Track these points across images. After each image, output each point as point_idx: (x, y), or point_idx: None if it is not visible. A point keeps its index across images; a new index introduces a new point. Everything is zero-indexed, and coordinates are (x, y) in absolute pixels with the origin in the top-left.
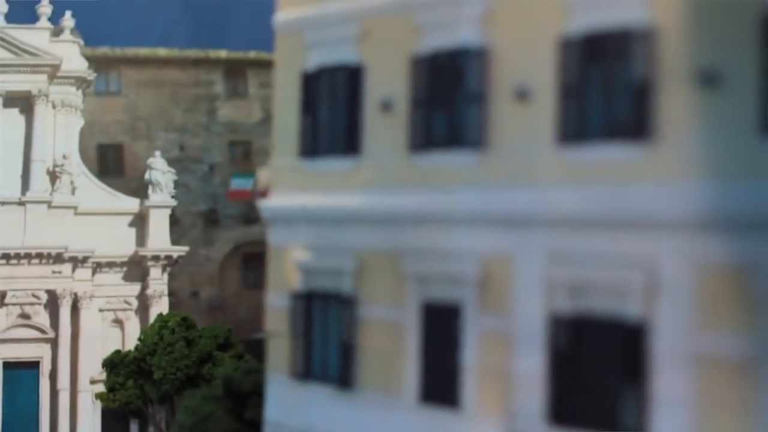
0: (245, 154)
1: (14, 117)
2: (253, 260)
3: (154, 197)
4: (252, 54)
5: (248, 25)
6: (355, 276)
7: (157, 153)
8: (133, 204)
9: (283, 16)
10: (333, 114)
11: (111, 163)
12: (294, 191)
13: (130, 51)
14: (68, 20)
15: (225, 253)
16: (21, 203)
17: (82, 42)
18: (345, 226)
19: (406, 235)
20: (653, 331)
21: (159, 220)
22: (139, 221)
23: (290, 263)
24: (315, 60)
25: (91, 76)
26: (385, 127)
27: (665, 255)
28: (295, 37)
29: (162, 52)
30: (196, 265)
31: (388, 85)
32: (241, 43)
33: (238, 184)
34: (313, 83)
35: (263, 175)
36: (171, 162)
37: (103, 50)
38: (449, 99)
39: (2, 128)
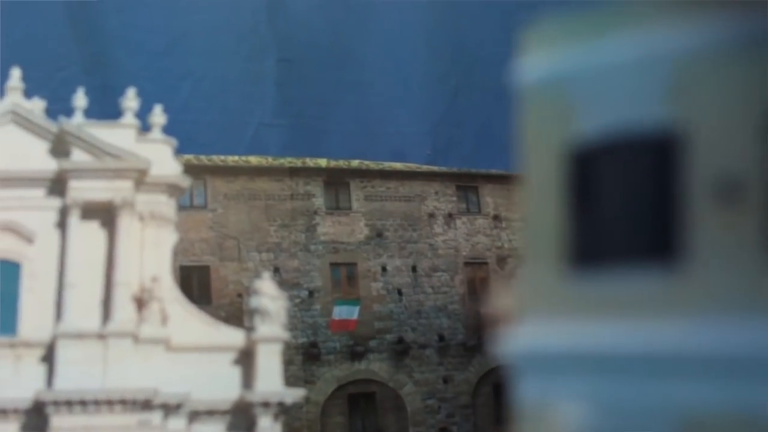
0: (349, 277)
1: (93, 231)
2: (359, 402)
3: (263, 329)
4: (355, 162)
5: (350, 130)
6: None
7: (266, 274)
8: (237, 337)
9: (530, 66)
10: (629, 203)
11: (195, 288)
12: (560, 319)
13: (217, 159)
14: (158, 116)
15: (327, 394)
16: (101, 336)
17: (174, 142)
18: (657, 373)
19: None
20: None
21: (269, 356)
22: (245, 358)
23: (558, 426)
24: (593, 126)
25: (186, 182)
26: (725, 221)
27: None
28: (555, 95)
29: (253, 160)
30: (294, 408)
31: (727, 159)
32: (343, 150)
33: (341, 312)
34: (591, 159)
35: (504, 296)
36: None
37: (186, 158)
38: None
39: (79, 245)
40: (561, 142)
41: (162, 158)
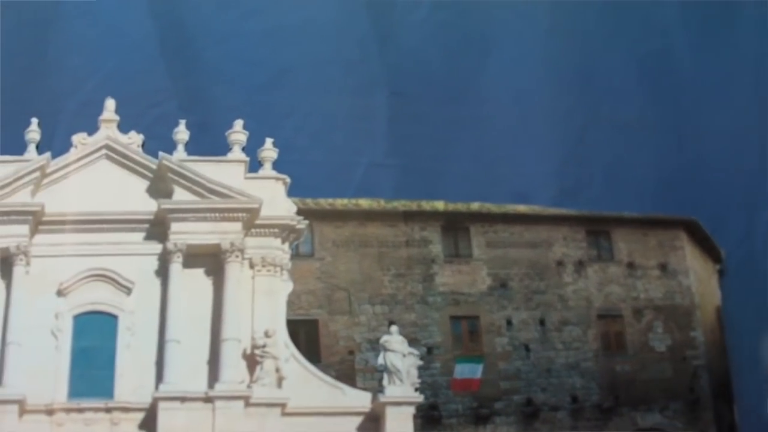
0: (471, 332)
1: (198, 280)
2: None
3: (392, 390)
4: (475, 205)
5: (468, 170)
6: None
7: (394, 329)
8: (362, 400)
9: None
10: None
11: (303, 345)
12: None
13: (325, 203)
14: (269, 150)
15: None
16: (208, 399)
17: (288, 179)
18: None
19: None
20: None
21: (400, 421)
22: (371, 424)
23: None
24: None
25: (302, 224)
26: None
27: None
28: None
29: (364, 203)
30: None
31: None
32: (461, 192)
33: (463, 371)
34: None
35: None
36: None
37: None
38: None
39: (182, 295)
40: None
41: (274, 197)
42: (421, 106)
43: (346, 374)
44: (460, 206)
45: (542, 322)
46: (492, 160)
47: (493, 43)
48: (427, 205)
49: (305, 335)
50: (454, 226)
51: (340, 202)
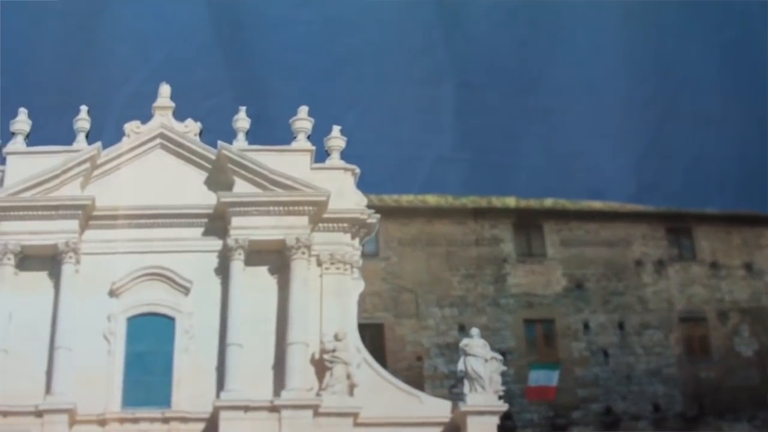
0: (546, 336)
1: (262, 279)
2: None
3: (474, 398)
4: (548, 202)
5: (540, 165)
6: None
7: (474, 331)
8: (441, 409)
9: None
10: None
11: (368, 350)
12: None
13: (389, 199)
14: (337, 138)
15: None
16: (273, 408)
17: (357, 169)
18: None
19: None
20: None
21: None
22: None
23: None
24: None
25: (373, 218)
26: None
27: None
28: None
29: (431, 200)
30: None
31: None
32: (533, 188)
33: (538, 378)
34: None
35: None
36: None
37: None
38: None
39: (244, 295)
40: None
41: (343, 189)
42: (489, 97)
43: (415, 381)
44: (533, 203)
45: (621, 326)
46: (565, 154)
47: (564, 31)
48: (497, 202)
49: (370, 340)
50: (527, 223)
51: (406, 199)
